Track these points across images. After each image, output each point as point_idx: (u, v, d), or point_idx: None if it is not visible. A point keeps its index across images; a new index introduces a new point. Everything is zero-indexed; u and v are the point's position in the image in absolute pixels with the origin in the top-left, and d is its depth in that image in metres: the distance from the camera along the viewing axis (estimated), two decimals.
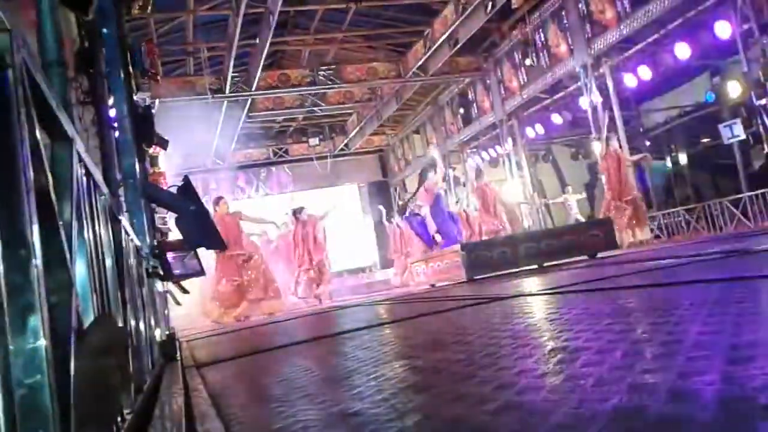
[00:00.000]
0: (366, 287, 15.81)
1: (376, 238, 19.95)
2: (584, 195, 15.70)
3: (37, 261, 0.72)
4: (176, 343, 3.98)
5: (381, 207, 17.18)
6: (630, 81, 11.83)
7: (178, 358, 3.38)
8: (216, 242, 5.34)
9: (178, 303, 6.21)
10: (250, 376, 2.66)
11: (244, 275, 10.04)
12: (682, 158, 15.42)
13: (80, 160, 1.18)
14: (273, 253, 12.66)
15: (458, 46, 12.71)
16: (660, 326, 1.78)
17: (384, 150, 21.59)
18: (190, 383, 2.33)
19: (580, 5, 11.42)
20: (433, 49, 13.10)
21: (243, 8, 10.00)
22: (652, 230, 10.79)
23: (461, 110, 16.71)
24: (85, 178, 1.25)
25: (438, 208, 10.68)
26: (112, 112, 3.98)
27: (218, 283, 9.90)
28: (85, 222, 1.20)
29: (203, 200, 5.19)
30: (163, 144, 5.40)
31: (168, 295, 5.88)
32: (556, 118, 14.23)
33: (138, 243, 2.74)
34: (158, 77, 5.43)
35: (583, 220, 14.49)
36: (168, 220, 5.29)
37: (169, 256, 4.55)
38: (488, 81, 15.07)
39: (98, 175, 1.49)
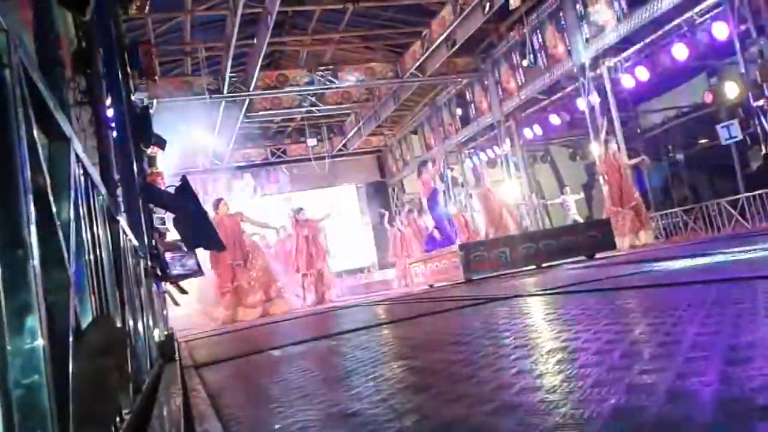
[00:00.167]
0: (364, 287, 15.81)
1: (375, 239, 19.95)
2: (582, 195, 15.71)
3: (35, 261, 0.72)
4: (175, 344, 3.98)
5: (382, 210, 17.16)
6: (627, 82, 11.85)
7: (177, 358, 3.38)
8: (214, 242, 5.34)
9: (176, 303, 6.21)
10: (248, 376, 2.66)
11: (242, 279, 10.00)
12: (680, 159, 15.44)
13: (78, 160, 1.17)
14: (271, 258, 12.66)
15: (456, 46, 12.71)
16: (658, 327, 1.78)
17: (382, 150, 21.60)
18: (189, 383, 2.33)
19: (577, 6, 11.44)
20: (430, 49, 13.10)
21: (241, 8, 9.99)
22: (657, 237, 10.77)
23: (459, 111, 16.72)
24: (82, 178, 1.25)
25: (435, 202, 10.66)
26: (110, 113, 3.98)
27: (217, 287, 9.89)
28: (82, 222, 1.20)
29: (201, 200, 5.19)
30: (161, 144, 5.39)
31: (166, 296, 5.87)
32: (554, 119, 14.24)
33: (136, 243, 2.74)
34: (156, 77, 5.42)
35: (581, 220, 14.51)
36: (166, 220, 5.28)
37: (168, 256, 4.55)
38: (486, 82, 15.08)
39: (96, 175, 1.49)
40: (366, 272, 19.34)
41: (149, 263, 3.59)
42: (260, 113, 16.21)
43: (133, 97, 4.85)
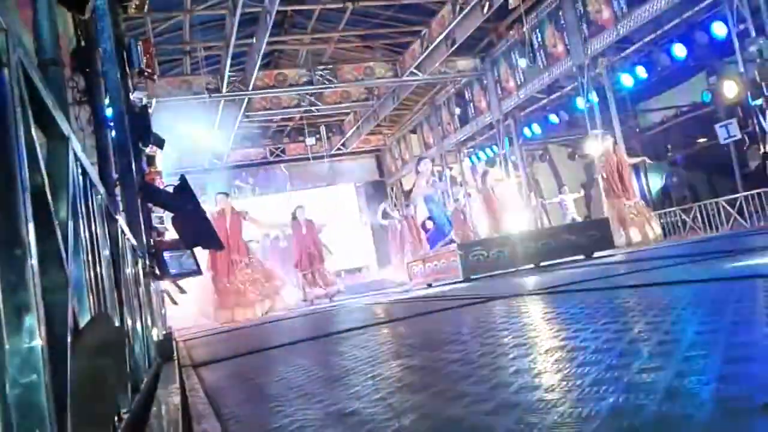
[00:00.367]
0: (363, 287, 15.80)
1: (373, 238, 19.95)
2: (582, 193, 15.71)
3: (33, 260, 0.71)
4: (173, 343, 3.98)
5: (383, 204, 17.13)
6: (626, 81, 11.85)
7: (175, 357, 3.38)
8: (213, 242, 5.33)
9: (174, 302, 6.20)
10: (247, 375, 2.66)
11: (240, 277, 9.94)
12: (679, 158, 15.46)
13: (76, 159, 1.17)
14: (270, 255, 12.66)
15: (455, 46, 12.71)
16: (657, 326, 1.78)
17: (381, 150, 21.59)
18: (187, 383, 2.33)
19: (576, 5, 11.44)
20: (430, 49, 13.10)
21: (240, 7, 9.98)
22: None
23: (458, 110, 16.72)
24: (81, 178, 1.24)
25: (431, 196, 10.62)
26: (109, 112, 3.97)
27: (214, 286, 9.80)
28: (81, 221, 1.20)
29: (200, 200, 5.18)
30: (160, 143, 5.38)
31: (165, 295, 5.87)
32: (553, 118, 14.25)
33: (134, 242, 2.74)
34: (155, 76, 5.41)
35: (580, 220, 14.52)
36: (165, 219, 5.28)
37: (166, 255, 4.55)
38: (485, 81, 15.08)
39: (94, 175, 1.49)
40: (364, 271, 19.34)
41: (148, 262, 3.59)
42: (259, 112, 16.20)
43: (131, 96, 4.85)
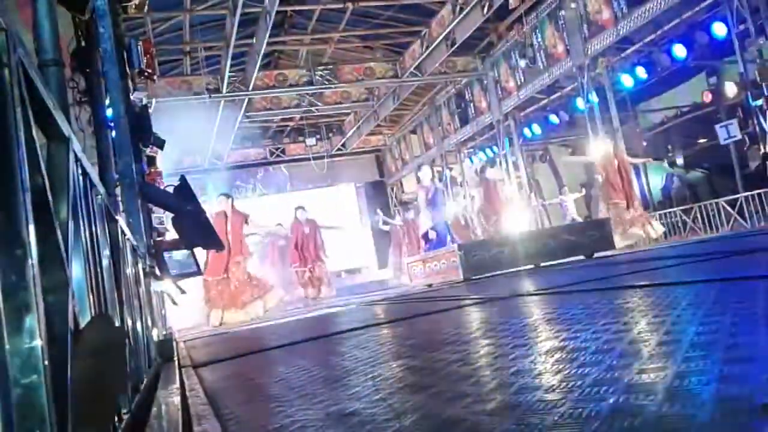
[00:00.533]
0: (363, 287, 15.81)
1: (373, 238, 19.95)
2: (583, 192, 15.70)
3: (34, 261, 0.71)
4: (173, 343, 3.98)
5: (379, 211, 17.12)
6: (627, 81, 11.86)
7: (176, 358, 3.38)
8: (213, 242, 5.34)
9: (175, 303, 6.20)
10: (247, 376, 2.66)
11: (235, 278, 9.86)
12: (679, 159, 15.46)
13: (77, 159, 1.17)
14: (266, 256, 12.65)
15: (455, 46, 12.71)
16: (657, 326, 1.78)
17: (381, 150, 21.59)
18: (187, 383, 2.33)
19: (575, 5, 11.43)
20: (430, 49, 13.10)
21: (240, 8, 9.98)
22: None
23: (458, 110, 16.72)
24: (81, 178, 1.25)
25: (434, 202, 10.61)
26: (109, 112, 3.98)
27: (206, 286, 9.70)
28: (81, 222, 1.20)
29: (200, 200, 5.18)
30: (160, 144, 5.38)
31: (165, 295, 5.87)
32: (554, 119, 14.25)
33: (135, 243, 2.74)
34: (155, 77, 5.41)
35: (580, 220, 14.51)
36: (165, 219, 5.27)
37: (166, 255, 4.55)
38: (485, 81, 15.08)
39: (95, 175, 1.49)
40: (364, 271, 19.33)
41: (148, 263, 3.59)
42: (259, 113, 16.20)
43: (132, 97, 4.85)
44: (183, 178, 4.70)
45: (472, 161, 17.45)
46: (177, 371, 2.71)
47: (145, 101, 5.83)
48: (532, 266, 8.76)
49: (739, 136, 9.77)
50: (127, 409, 1.44)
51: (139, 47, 4.80)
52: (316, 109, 16.65)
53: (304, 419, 1.40)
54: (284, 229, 13.06)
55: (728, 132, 9.80)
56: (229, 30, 10.98)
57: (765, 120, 8.62)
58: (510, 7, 11.71)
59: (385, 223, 16.20)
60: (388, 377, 1.80)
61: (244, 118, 15.57)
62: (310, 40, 14.16)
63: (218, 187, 15.96)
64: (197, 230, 4.68)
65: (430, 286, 9.42)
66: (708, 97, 12.79)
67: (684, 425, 0.88)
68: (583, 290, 3.69)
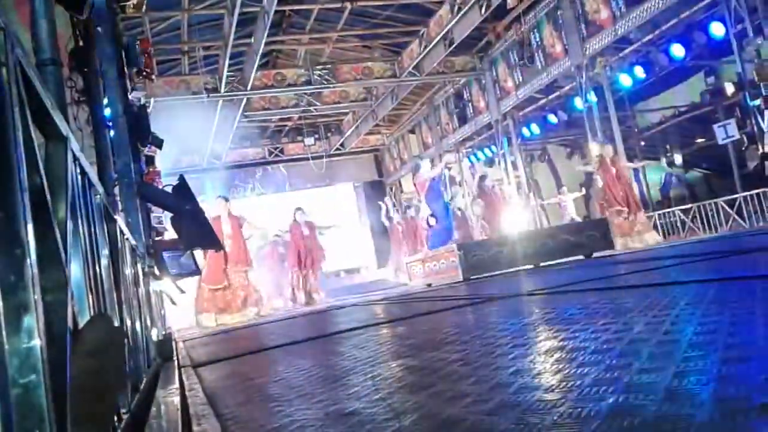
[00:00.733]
0: (362, 287, 15.80)
1: (372, 238, 19.95)
2: (583, 192, 15.72)
3: (32, 260, 0.71)
4: (173, 343, 3.98)
5: (381, 203, 17.09)
6: (625, 81, 11.87)
7: (175, 357, 3.37)
8: (212, 242, 5.33)
9: (174, 303, 6.19)
10: (246, 375, 2.66)
11: (235, 282, 9.81)
12: (677, 158, 15.48)
13: (75, 159, 1.17)
14: (264, 259, 12.64)
15: (454, 45, 12.72)
16: (656, 326, 1.78)
17: (379, 149, 21.60)
18: (187, 383, 2.33)
19: (574, 4, 11.44)
20: (428, 48, 13.10)
21: (238, 7, 9.97)
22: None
23: (456, 110, 16.73)
24: (79, 178, 1.24)
25: (434, 193, 10.57)
26: (107, 112, 3.97)
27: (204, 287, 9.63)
28: (80, 221, 1.19)
29: (199, 200, 5.17)
30: (158, 143, 5.37)
31: (164, 295, 5.86)
32: (552, 118, 14.26)
33: (133, 242, 2.74)
34: (153, 76, 5.40)
35: (579, 220, 14.52)
36: (163, 219, 5.27)
37: (165, 255, 4.55)
38: (483, 81, 15.09)
39: (93, 175, 1.49)
40: (363, 271, 19.33)
41: (147, 262, 3.59)
42: (258, 112, 16.19)
43: (130, 96, 4.84)
44: (182, 178, 4.69)
45: (471, 161, 17.46)
46: (176, 371, 2.71)
47: (143, 101, 5.82)
48: (531, 266, 8.77)
49: (737, 136, 9.78)
50: (127, 409, 1.44)
51: (137, 46, 4.79)
52: (315, 109, 16.65)
53: (304, 419, 1.40)
54: (283, 233, 13.02)
55: (726, 132, 9.81)
56: (228, 29, 10.97)
57: (763, 120, 8.63)
58: (508, 7, 11.72)
59: (388, 215, 16.17)
60: (388, 377, 1.80)
61: (242, 118, 15.56)
62: (309, 39, 14.16)
63: (217, 186, 15.99)
64: (196, 230, 4.67)
65: (429, 285, 9.42)
66: (706, 97, 12.82)
67: (683, 425, 0.88)
68: (582, 290, 3.69)
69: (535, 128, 14.76)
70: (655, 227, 10.97)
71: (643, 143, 15.42)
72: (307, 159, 19.45)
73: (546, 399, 1.16)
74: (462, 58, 14.76)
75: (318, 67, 14.34)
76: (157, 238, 5.06)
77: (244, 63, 13.29)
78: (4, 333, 0.65)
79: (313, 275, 12.10)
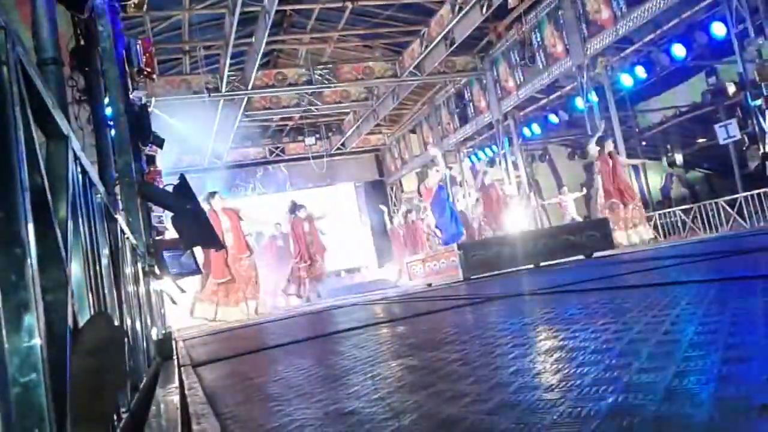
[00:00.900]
0: (362, 286, 15.81)
1: (373, 237, 19.95)
2: (584, 192, 15.71)
3: (33, 260, 0.71)
4: (172, 342, 3.98)
5: (382, 206, 17.12)
6: (626, 81, 11.86)
7: (175, 356, 3.38)
8: (212, 241, 5.33)
9: (174, 302, 6.20)
10: (246, 375, 2.66)
11: (236, 275, 9.84)
12: (678, 158, 15.46)
13: (76, 158, 1.17)
14: (263, 254, 12.66)
15: (455, 45, 12.71)
16: (656, 326, 1.78)
17: (380, 149, 21.60)
18: (186, 382, 2.33)
19: (575, 4, 11.43)
20: (429, 48, 13.10)
21: (239, 7, 9.97)
22: (655, 237, 10.73)
23: (457, 110, 16.73)
24: (80, 177, 1.24)
25: (439, 201, 10.59)
26: (108, 111, 3.97)
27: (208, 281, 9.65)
28: (80, 220, 1.20)
29: (199, 199, 5.18)
30: (159, 143, 5.38)
31: (164, 294, 5.87)
32: (553, 118, 14.26)
33: (134, 241, 2.74)
34: (154, 76, 5.40)
35: (579, 219, 14.52)
36: (164, 218, 5.27)
37: (166, 254, 4.55)
38: (484, 81, 15.08)
39: (94, 174, 1.49)
40: (364, 271, 19.34)
41: (147, 262, 3.59)
42: (259, 112, 16.20)
43: (131, 96, 4.84)
44: (182, 177, 4.70)
45: (471, 161, 17.45)
46: (176, 370, 2.71)
47: (144, 100, 5.82)
48: (531, 266, 8.76)
49: (738, 136, 9.77)
50: (126, 408, 1.44)
51: (138, 46, 4.80)
52: (316, 109, 16.65)
53: (303, 418, 1.40)
54: (280, 227, 13.04)
55: (727, 132, 9.80)
56: (228, 29, 10.97)
57: (764, 120, 8.62)
58: (509, 7, 11.71)
59: (390, 218, 16.20)
60: (387, 376, 1.80)
61: (243, 117, 15.57)
62: (310, 39, 14.16)
63: (218, 186, 15.98)
64: (196, 229, 4.67)
65: (429, 285, 9.42)
66: (707, 97, 12.81)
67: (682, 425, 0.88)
68: (582, 290, 3.69)
69: (536, 128, 14.75)
70: (655, 227, 10.98)
71: (644, 143, 15.41)
72: (308, 159, 19.46)
73: (546, 398, 1.16)
74: (463, 58, 14.76)
75: (319, 66, 14.34)
76: (157, 238, 5.07)
77: (245, 62, 13.29)
78: (4, 332, 0.66)
79: (319, 265, 12.11)
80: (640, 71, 11.47)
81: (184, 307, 8.49)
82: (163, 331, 4.39)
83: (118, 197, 3.71)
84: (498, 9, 11.39)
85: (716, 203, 10.27)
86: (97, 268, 1.36)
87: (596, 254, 8.95)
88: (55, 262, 0.85)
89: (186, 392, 2.04)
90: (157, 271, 4.20)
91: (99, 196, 1.54)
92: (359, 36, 14.31)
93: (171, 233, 5.16)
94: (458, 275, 8.57)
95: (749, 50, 9.00)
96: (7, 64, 0.72)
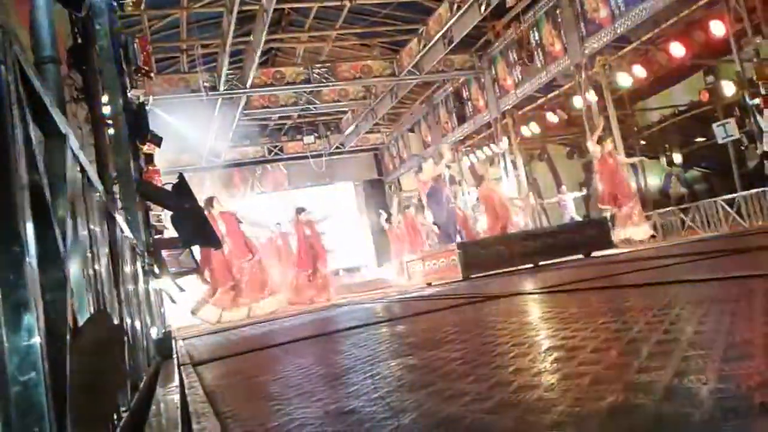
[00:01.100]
0: (362, 285, 15.81)
1: (372, 237, 19.95)
2: (585, 192, 15.70)
3: (32, 258, 0.71)
4: (172, 341, 3.98)
5: (381, 211, 17.13)
6: (624, 80, 11.86)
7: (175, 355, 3.37)
8: (211, 240, 5.33)
9: (173, 301, 6.20)
10: (246, 373, 2.66)
11: (243, 277, 9.85)
12: (677, 157, 15.47)
13: (74, 157, 1.17)
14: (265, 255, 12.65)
15: (453, 44, 12.70)
16: (656, 325, 1.78)
17: (379, 148, 21.59)
18: (186, 381, 2.33)
19: (574, 3, 11.43)
20: (427, 47, 13.09)
21: (237, 5, 9.96)
22: (653, 236, 10.73)
23: (456, 109, 16.72)
24: (79, 175, 1.24)
25: (435, 198, 10.59)
26: (106, 109, 3.97)
27: (215, 285, 9.67)
28: (79, 219, 1.19)
29: (198, 198, 5.17)
30: (157, 141, 5.37)
31: (164, 293, 5.86)
32: (551, 117, 14.26)
33: (133, 240, 2.73)
34: (152, 74, 5.40)
35: (579, 219, 14.53)
36: (163, 217, 5.27)
37: (165, 253, 4.55)
38: (483, 79, 15.08)
39: (92, 173, 1.48)
40: (363, 270, 19.34)
41: (146, 260, 3.58)
42: (257, 110, 16.18)
43: (129, 94, 4.84)
44: (181, 177, 4.69)
45: (470, 160, 17.44)
46: (176, 369, 2.71)
47: (142, 99, 5.82)
48: (531, 265, 8.77)
49: (737, 135, 9.79)
50: (126, 407, 1.44)
51: (136, 44, 4.79)
52: (314, 107, 16.63)
53: (303, 417, 1.40)
54: (280, 226, 13.04)
55: (726, 131, 9.81)
56: (227, 27, 10.95)
57: (762, 119, 8.63)
58: (507, 5, 11.71)
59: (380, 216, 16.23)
60: (387, 375, 1.80)
61: (241, 116, 15.55)
62: (308, 37, 14.14)
63: (217, 185, 15.99)
64: (195, 228, 4.67)
65: (429, 284, 9.43)
66: (705, 96, 12.81)
67: (682, 424, 0.88)
68: (581, 289, 3.70)
69: (535, 127, 14.74)
70: (654, 227, 10.98)
71: (642, 142, 15.41)
72: (307, 158, 19.44)
73: (545, 398, 1.16)
74: (461, 57, 14.75)
75: (317, 65, 14.33)
76: (156, 237, 5.06)
77: (244, 61, 13.28)
78: (4, 331, 0.65)
79: (322, 273, 12.12)
80: (639, 70, 11.48)
81: (184, 307, 8.50)
82: (163, 330, 4.39)
83: (117, 196, 3.70)
84: (496, 8, 11.38)
85: (715, 202, 10.28)
86: (97, 267, 1.36)
87: (595, 253, 8.95)
88: (54, 261, 0.84)
89: (186, 391, 2.04)
90: (156, 269, 4.20)
91: (98, 194, 1.53)
92: (357, 35, 14.30)
93: (170, 232, 5.16)
94: (458, 274, 8.58)
95: (747, 49, 9.02)
96: (5, 62, 0.72)
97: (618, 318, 2.08)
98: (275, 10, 10.52)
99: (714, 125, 10.18)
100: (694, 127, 14.07)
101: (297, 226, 12.16)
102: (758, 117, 8.73)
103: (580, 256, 8.93)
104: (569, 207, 15.02)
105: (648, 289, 3.08)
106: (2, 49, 0.72)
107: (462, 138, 16.94)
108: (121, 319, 1.70)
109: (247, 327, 6.71)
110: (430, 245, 11.47)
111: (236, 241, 9.86)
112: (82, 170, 1.28)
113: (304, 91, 15.39)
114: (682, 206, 11.35)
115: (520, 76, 13.62)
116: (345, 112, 18.94)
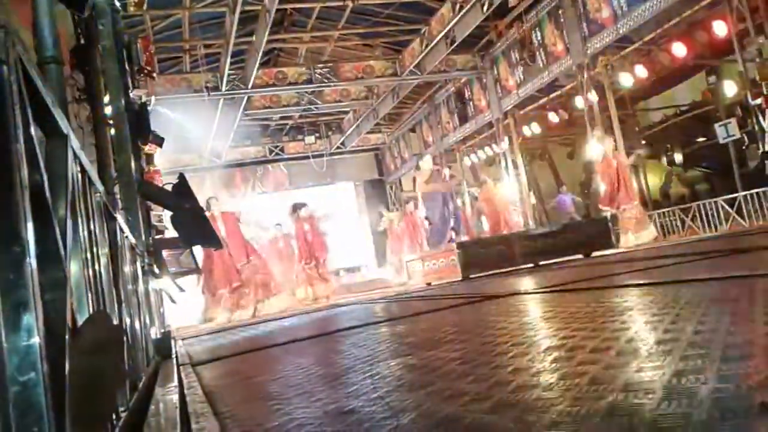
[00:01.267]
0: (362, 285, 15.80)
1: (372, 237, 19.94)
2: (584, 191, 15.70)
3: (32, 258, 0.71)
4: (172, 341, 3.98)
5: (381, 211, 17.12)
6: (626, 80, 11.84)
7: (174, 355, 3.38)
8: (212, 240, 5.33)
9: (173, 301, 6.20)
10: (245, 373, 2.66)
11: (245, 278, 9.86)
12: (678, 157, 15.46)
13: (75, 157, 1.17)
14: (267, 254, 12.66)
15: (455, 44, 12.70)
16: (656, 325, 1.78)
17: (380, 148, 21.59)
18: (186, 381, 2.33)
19: (576, 3, 11.42)
20: (429, 47, 13.09)
21: (239, 5, 9.96)
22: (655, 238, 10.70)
23: (457, 109, 16.70)
24: (80, 175, 1.24)
25: (433, 195, 10.58)
26: (108, 110, 3.97)
27: (216, 287, 9.68)
28: (80, 219, 1.20)
29: (199, 198, 5.17)
30: (159, 141, 5.38)
31: (163, 293, 5.87)
32: (553, 117, 14.24)
33: (133, 240, 2.74)
34: (154, 74, 5.40)
35: (579, 219, 14.52)
36: (164, 217, 5.27)
37: (165, 253, 4.55)
38: (485, 79, 15.07)
39: (93, 173, 1.49)
40: (363, 270, 19.34)
41: (146, 261, 3.59)
42: (259, 110, 16.18)
43: (131, 94, 4.84)
44: (182, 177, 4.69)
45: (471, 160, 17.44)
46: (175, 369, 2.71)
47: (144, 99, 5.82)
48: (531, 265, 8.77)
49: (738, 135, 9.77)
50: (125, 407, 1.44)
51: (138, 44, 4.79)
52: (316, 107, 16.63)
53: (303, 417, 1.40)
54: (281, 227, 13.05)
55: (727, 131, 9.80)
56: (229, 27, 10.96)
57: (764, 119, 8.62)
58: (510, 5, 11.70)
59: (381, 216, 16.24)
60: (387, 375, 1.80)
61: (243, 116, 15.55)
62: (310, 38, 14.14)
63: (217, 185, 15.98)
64: (196, 228, 4.68)
65: (429, 284, 9.43)
66: (707, 96, 12.80)
67: (682, 423, 0.89)
68: (581, 289, 3.69)
69: (536, 127, 14.73)
70: (654, 226, 10.97)
71: (644, 142, 15.40)
72: (308, 158, 19.45)
73: (545, 397, 1.17)
74: (463, 57, 14.74)
75: (319, 65, 14.33)
76: (157, 237, 5.06)
77: (246, 61, 13.28)
78: (3, 331, 0.66)
79: (323, 268, 12.14)
80: (641, 70, 11.46)
81: (183, 307, 8.51)
82: (162, 330, 4.40)
83: (118, 196, 3.71)
84: (498, 7, 11.36)
85: (716, 202, 10.27)
86: (97, 267, 1.36)
87: (595, 253, 8.95)
88: (54, 260, 0.85)
89: (185, 391, 2.04)
90: (156, 270, 4.21)
91: (98, 194, 1.54)
92: (359, 35, 14.29)
93: (170, 232, 5.16)
94: (458, 274, 8.58)
95: (749, 49, 9.00)
96: (7, 62, 0.72)
97: (617, 318, 2.08)
98: (278, 10, 10.53)
99: (716, 125, 10.16)
100: (696, 127, 14.06)
101: (296, 222, 12.18)
102: (760, 117, 8.72)
103: (580, 256, 8.93)
104: (570, 207, 15.03)
105: (647, 288, 3.08)
106: (4, 49, 0.72)
107: (463, 138, 16.93)
108: (121, 319, 1.70)
109: (246, 327, 6.71)
110: (421, 242, 11.46)
111: (234, 242, 9.86)
112: (83, 170, 1.29)
113: (306, 91, 15.39)
114: (683, 206, 11.34)
115: (522, 76, 13.61)
116: (347, 112, 18.94)
